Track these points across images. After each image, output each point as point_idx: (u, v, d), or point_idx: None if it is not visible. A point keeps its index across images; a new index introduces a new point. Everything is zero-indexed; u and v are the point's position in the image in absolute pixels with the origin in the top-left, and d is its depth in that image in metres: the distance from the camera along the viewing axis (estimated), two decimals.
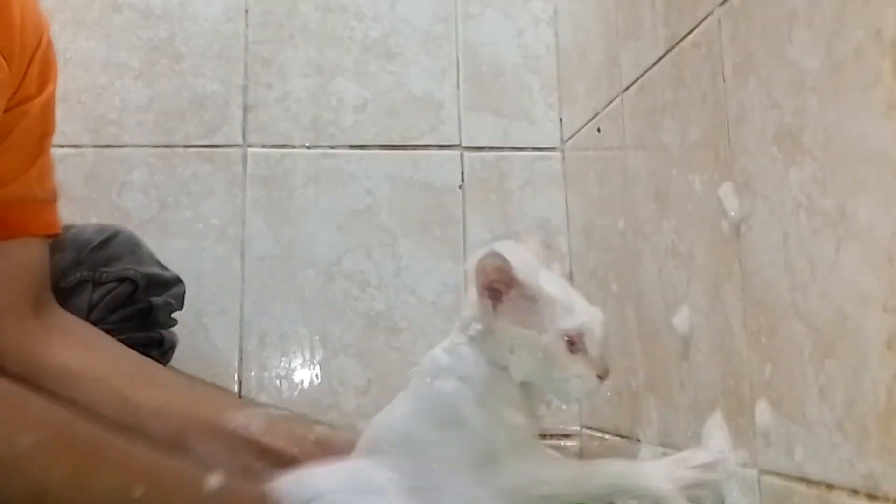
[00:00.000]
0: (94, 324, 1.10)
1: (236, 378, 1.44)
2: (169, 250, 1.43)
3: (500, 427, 0.79)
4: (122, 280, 1.14)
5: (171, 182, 1.48)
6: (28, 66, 0.94)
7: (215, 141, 1.50)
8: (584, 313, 0.79)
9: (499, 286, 0.78)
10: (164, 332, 1.20)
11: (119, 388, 0.92)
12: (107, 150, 1.48)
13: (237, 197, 1.49)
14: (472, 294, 0.80)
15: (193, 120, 1.50)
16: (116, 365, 0.95)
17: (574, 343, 0.78)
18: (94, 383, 0.91)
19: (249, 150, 1.50)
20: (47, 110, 0.99)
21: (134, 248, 1.19)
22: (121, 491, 0.74)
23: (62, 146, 1.46)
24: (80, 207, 1.43)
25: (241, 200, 1.49)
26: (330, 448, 0.85)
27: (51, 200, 1.01)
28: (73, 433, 0.76)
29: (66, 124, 1.48)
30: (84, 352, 0.95)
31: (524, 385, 0.81)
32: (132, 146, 1.49)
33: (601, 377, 0.79)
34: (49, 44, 0.99)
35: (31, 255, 0.97)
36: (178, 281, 1.22)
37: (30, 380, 0.89)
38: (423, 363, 0.83)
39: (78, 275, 1.12)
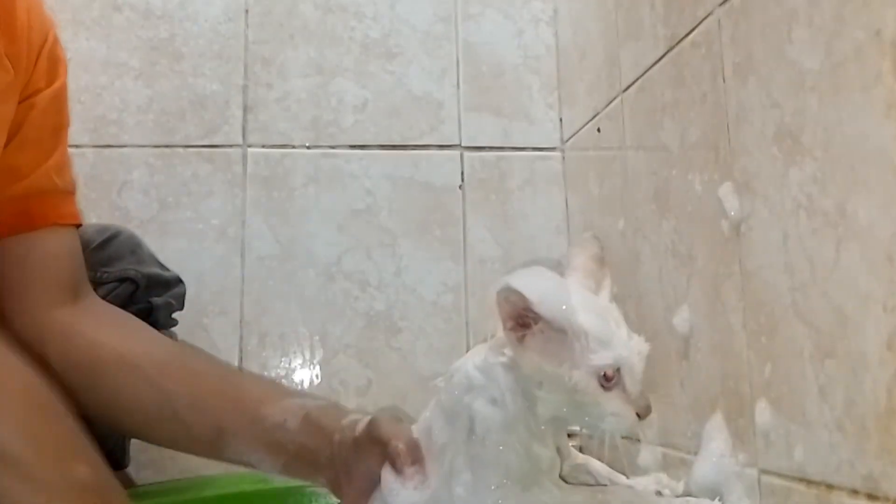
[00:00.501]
0: None
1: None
2: (169, 250, 1.43)
3: (524, 457, 0.76)
4: (122, 280, 1.14)
5: (172, 182, 1.48)
6: (35, 63, 0.94)
7: (215, 141, 1.50)
8: (621, 347, 0.73)
9: (525, 318, 0.73)
10: (164, 332, 1.20)
11: (153, 378, 0.91)
12: (107, 150, 1.48)
13: (237, 197, 1.49)
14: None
15: (193, 120, 1.50)
16: (151, 352, 0.94)
17: (609, 379, 0.73)
18: (128, 372, 0.91)
19: (249, 150, 1.50)
20: (59, 103, 0.98)
21: (134, 248, 1.19)
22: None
23: None
24: (80, 208, 1.42)
25: (241, 200, 1.49)
26: (363, 445, 0.84)
27: (71, 192, 1.01)
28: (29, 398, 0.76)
29: None
30: (119, 339, 0.94)
31: (555, 419, 0.76)
32: (132, 146, 1.49)
33: (640, 416, 0.74)
34: (55, 40, 1.00)
35: (58, 245, 0.97)
36: (178, 281, 1.23)
37: (69, 369, 0.89)
38: (451, 375, 0.79)
39: None
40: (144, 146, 1.49)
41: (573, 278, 0.79)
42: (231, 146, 1.50)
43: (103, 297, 1.11)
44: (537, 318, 0.72)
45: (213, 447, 0.89)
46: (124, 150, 1.49)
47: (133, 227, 1.42)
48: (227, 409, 0.89)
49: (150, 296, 1.16)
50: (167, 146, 1.49)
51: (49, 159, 0.97)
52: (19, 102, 0.93)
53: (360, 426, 0.83)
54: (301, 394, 1.05)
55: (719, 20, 0.89)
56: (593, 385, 0.72)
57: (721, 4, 0.89)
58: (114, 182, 1.47)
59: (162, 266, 1.22)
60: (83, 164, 1.47)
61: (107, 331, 0.95)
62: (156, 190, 1.48)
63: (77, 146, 1.47)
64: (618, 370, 0.73)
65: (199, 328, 1.43)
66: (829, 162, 0.69)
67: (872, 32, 0.64)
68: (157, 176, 1.48)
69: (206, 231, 1.47)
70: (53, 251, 0.97)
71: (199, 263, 1.46)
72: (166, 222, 1.47)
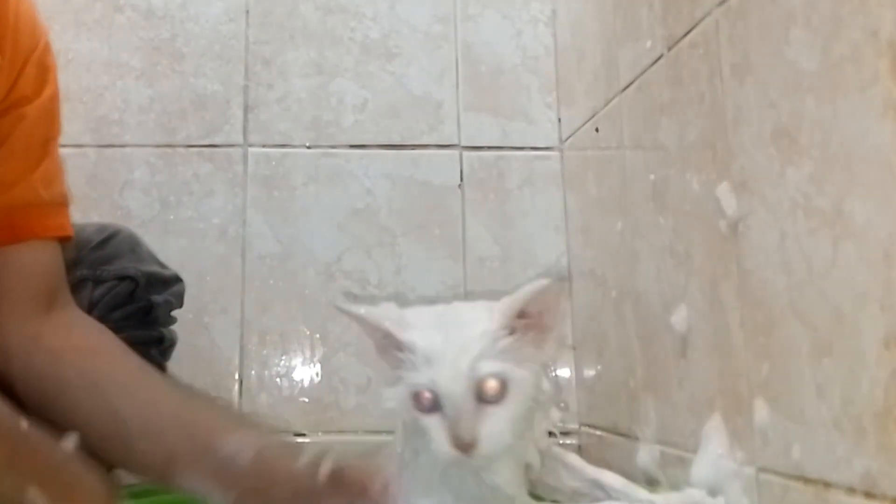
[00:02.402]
0: None
1: (237, 376, 1.44)
2: (170, 249, 1.43)
3: (474, 484, 0.72)
4: (122, 278, 1.14)
5: (173, 181, 1.48)
6: (23, 67, 0.94)
7: (216, 141, 1.50)
8: (440, 369, 0.69)
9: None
10: (164, 329, 1.20)
11: (110, 401, 0.89)
12: (109, 150, 1.49)
13: (238, 196, 1.49)
14: None
15: (194, 120, 1.51)
16: (112, 373, 0.92)
17: (423, 402, 0.70)
18: (86, 392, 0.89)
19: (250, 149, 1.51)
20: (49, 114, 0.98)
21: (134, 246, 1.19)
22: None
23: (64, 146, 1.45)
24: (82, 207, 1.42)
25: (242, 200, 1.49)
26: (327, 493, 0.82)
27: (59, 204, 1.00)
28: None
29: (69, 124, 1.47)
30: (83, 357, 0.92)
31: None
32: (134, 146, 1.49)
33: (461, 450, 0.68)
34: (47, 48, 0.99)
35: (40, 258, 0.96)
36: (177, 279, 1.23)
37: (31, 382, 0.88)
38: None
39: (78, 273, 1.12)
40: (146, 146, 1.49)
41: (477, 307, 0.75)
42: (232, 146, 1.50)
43: (102, 296, 1.11)
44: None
45: (163, 475, 0.87)
46: (126, 149, 1.49)
47: (134, 227, 1.42)
48: (180, 439, 0.87)
49: (149, 294, 1.16)
50: (168, 146, 1.49)
51: (36, 171, 0.96)
52: (5, 111, 0.92)
53: (323, 472, 0.81)
54: (257, 425, 1.02)
55: (717, 21, 0.89)
56: (409, 404, 0.71)
57: (719, 5, 0.89)
58: (115, 181, 1.48)
59: (161, 264, 1.22)
60: (85, 163, 1.48)
61: (73, 346, 0.93)
62: (157, 189, 1.48)
63: (79, 146, 1.48)
64: (436, 394, 0.69)
65: (200, 327, 1.44)
66: (827, 162, 0.69)
67: (869, 33, 0.64)
68: (159, 175, 1.48)
69: (207, 230, 1.48)
70: (31, 264, 0.96)
71: (199, 262, 1.46)
72: (167, 221, 1.47)
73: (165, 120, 1.50)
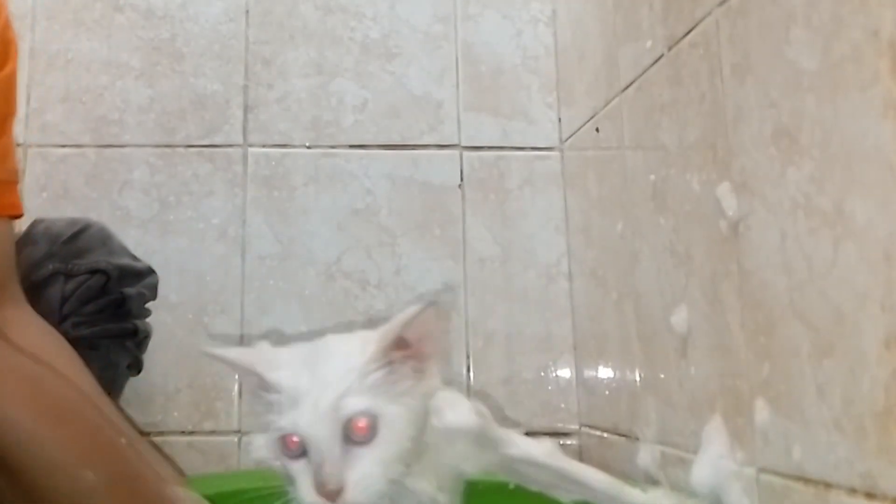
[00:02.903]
0: (68, 316, 1.08)
1: (236, 377, 1.44)
2: (170, 249, 1.43)
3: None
4: (94, 272, 1.13)
5: (172, 181, 1.48)
6: None
7: (216, 141, 1.50)
8: (306, 408, 0.65)
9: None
10: (137, 322, 1.20)
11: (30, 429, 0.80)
12: (108, 150, 1.49)
13: (238, 196, 1.49)
14: None
15: (194, 120, 1.51)
16: (35, 395, 0.82)
17: (290, 447, 0.66)
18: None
19: (250, 149, 1.51)
20: (7, 90, 0.96)
21: (105, 240, 1.18)
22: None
23: (64, 146, 1.47)
24: (81, 207, 1.43)
25: (242, 200, 1.49)
26: None
27: (12, 182, 0.98)
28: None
29: (68, 124, 1.48)
30: (12, 369, 0.82)
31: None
32: (133, 146, 1.49)
33: (324, 495, 0.64)
34: (6, 23, 0.97)
35: None
36: (150, 271, 1.22)
37: None
38: None
39: (50, 267, 1.11)
40: (145, 146, 1.49)
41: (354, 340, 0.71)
42: (231, 146, 1.50)
43: (74, 290, 1.10)
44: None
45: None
46: (125, 149, 1.49)
47: (134, 227, 1.43)
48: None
49: (121, 286, 1.16)
50: (168, 146, 1.49)
51: None
52: None
53: None
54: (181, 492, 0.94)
55: (717, 21, 0.89)
56: (275, 448, 0.67)
57: (719, 5, 0.89)
58: (115, 181, 1.47)
59: (133, 256, 1.21)
60: (84, 163, 1.48)
61: (29, 349, 0.88)
62: (157, 189, 1.48)
63: (78, 146, 1.48)
64: (300, 439, 0.66)
65: (200, 327, 1.44)
66: (827, 161, 0.69)
67: (870, 33, 0.64)
68: (158, 175, 1.48)
69: (207, 230, 1.47)
70: None
71: (199, 262, 1.46)
72: (167, 221, 1.47)
73: (165, 120, 1.50)
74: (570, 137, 1.50)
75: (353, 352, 0.68)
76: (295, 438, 0.65)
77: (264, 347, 0.73)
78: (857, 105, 0.65)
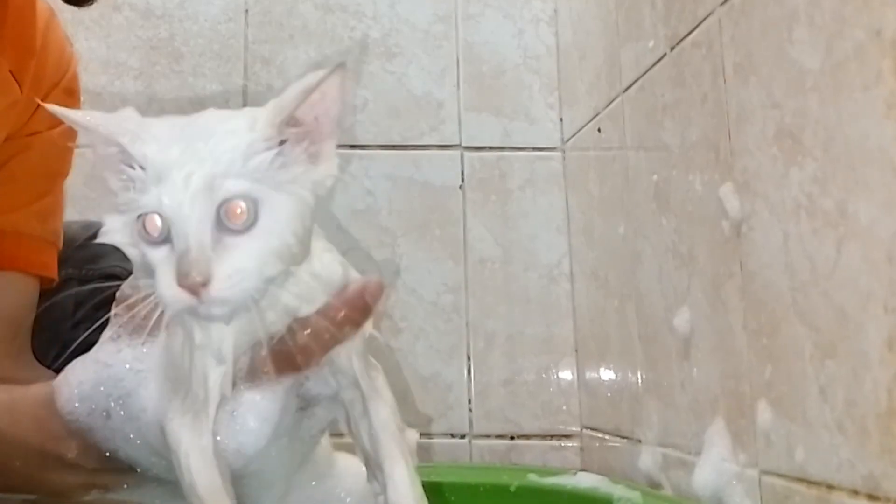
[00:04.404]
0: (81, 321, 1.08)
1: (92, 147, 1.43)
2: None
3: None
4: (108, 277, 1.13)
5: None
6: (44, 97, 0.89)
7: None
8: (174, 184, 0.55)
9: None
10: None
11: None
12: None
13: None
14: None
15: None
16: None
17: (149, 230, 0.57)
18: None
19: None
20: (61, 149, 0.94)
21: None
22: None
23: None
24: (80, 207, 1.42)
25: None
26: None
27: (51, 242, 0.97)
28: None
29: None
30: None
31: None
32: None
33: (186, 287, 0.54)
34: (74, 77, 0.96)
35: (17, 292, 0.93)
36: None
37: None
38: None
39: (63, 273, 1.11)
40: None
41: None
42: None
43: (89, 295, 1.10)
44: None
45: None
46: None
47: None
48: None
49: None
50: None
51: (36, 203, 0.93)
52: (13, 137, 0.89)
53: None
54: None
55: (720, 20, 0.89)
56: (133, 232, 0.58)
57: (722, 4, 0.89)
58: None
59: None
60: (84, 164, 1.47)
61: None
62: None
63: (77, 146, 1.47)
64: (166, 220, 0.56)
65: None
66: (830, 162, 0.69)
67: (873, 32, 0.64)
68: None
69: None
70: (8, 297, 0.92)
71: None
72: None
73: None
74: (571, 138, 1.50)
75: (237, 129, 0.58)
76: (157, 220, 0.56)
77: (131, 115, 0.62)
78: (860, 105, 0.65)
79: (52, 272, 0.97)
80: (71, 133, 0.92)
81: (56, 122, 0.92)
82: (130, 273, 1.15)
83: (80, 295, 1.10)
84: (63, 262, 1.10)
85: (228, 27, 1.54)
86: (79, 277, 1.11)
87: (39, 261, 0.96)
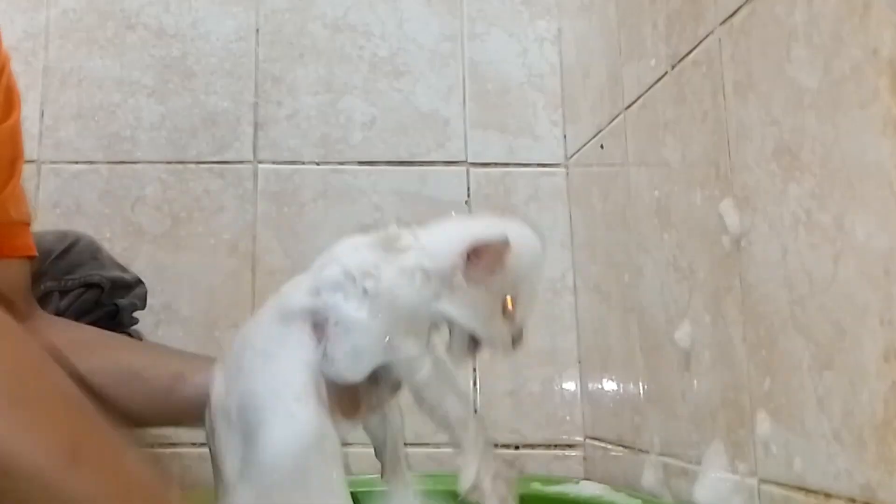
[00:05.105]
0: None
1: None
2: (181, 264, 1.45)
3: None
4: (88, 286, 1.15)
5: (184, 197, 1.50)
6: None
7: (227, 157, 1.51)
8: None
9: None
10: (129, 330, 1.21)
11: (112, 356, 0.90)
12: (121, 167, 1.50)
13: (248, 212, 1.50)
14: None
15: (205, 137, 1.52)
16: (103, 337, 0.95)
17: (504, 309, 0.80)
18: (89, 361, 0.87)
19: (260, 166, 1.52)
20: (15, 135, 0.98)
21: (95, 253, 1.19)
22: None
23: (77, 162, 1.49)
24: (94, 223, 1.44)
25: (252, 215, 1.50)
26: None
27: (25, 223, 0.99)
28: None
29: (82, 141, 1.50)
30: (71, 346, 0.87)
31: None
32: (145, 162, 1.50)
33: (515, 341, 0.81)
34: (9, 74, 0.99)
35: (9, 275, 0.96)
36: (139, 282, 1.24)
37: None
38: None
39: (43, 286, 1.12)
40: (157, 162, 1.50)
41: None
42: (242, 162, 1.52)
43: (70, 304, 1.12)
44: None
45: (170, 396, 0.89)
46: (137, 166, 1.50)
47: (147, 242, 1.44)
48: (185, 358, 0.94)
49: (114, 298, 1.17)
50: (179, 162, 1.51)
51: (3, 191, 0.95)
52: None
53: None
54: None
55: (720, 39, 0.90)
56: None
57: (722, 24, 0.90)
58: (127, 197, 1.49)
59: (122, 268, 1.23)
60: (97, 180, 1.49)
61: (62, 340, 0.88)
62: (168, 205, 1.49)
63: (91, 162, 1.49)
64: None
65: (211, 341, 1.44)
66: (828, 178, 0.70)
67: (870, 51, 0.65)
68: (170, 191, 1.50)
69: (218, 245, 1.49)
70: (8, 281, 0.95)
71: (210, 277, 1.47)
72: (179, 237, 1.48)
73: (176, 137, 1.52)
74: (575, 154, 1.51)
75: None
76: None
77: None
78: (857, 122, 0.66)
79: (33, 250, 1.00)
80: (18, 123, 0.95)
81: (8, 111, 0.96)
82: (108, 280, 1.18)
83: (61, 305, 1.12)
84: (42, 274, 1.11)
85: (240, 46, 1.55)
86: (59, 289, 1.12)
87: (22, 244, 0.98)
